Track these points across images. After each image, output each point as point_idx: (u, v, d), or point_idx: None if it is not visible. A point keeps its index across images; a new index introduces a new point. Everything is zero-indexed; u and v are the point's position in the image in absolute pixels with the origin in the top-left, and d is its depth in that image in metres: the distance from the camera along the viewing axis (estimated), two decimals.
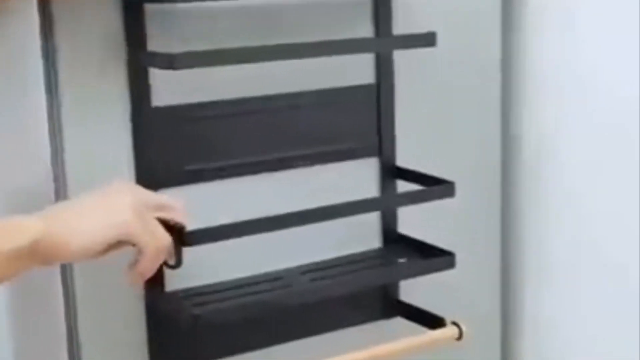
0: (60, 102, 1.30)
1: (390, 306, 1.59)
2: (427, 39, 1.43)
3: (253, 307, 1.38)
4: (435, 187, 1.49)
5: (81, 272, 1.34)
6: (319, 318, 1.53)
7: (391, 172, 1.56)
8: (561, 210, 1.68)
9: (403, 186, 1.56)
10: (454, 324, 1.51)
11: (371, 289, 1.56)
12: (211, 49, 1.33)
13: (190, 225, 1.29)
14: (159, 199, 1.26)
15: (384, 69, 1.53)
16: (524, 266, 1.75)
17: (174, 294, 1.40)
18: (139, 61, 1.33)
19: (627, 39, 1.52)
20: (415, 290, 1.60)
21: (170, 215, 1.26)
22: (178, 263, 1.29)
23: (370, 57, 1.53)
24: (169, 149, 1.37)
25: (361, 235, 1.56)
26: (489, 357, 1.75)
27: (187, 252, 1.31)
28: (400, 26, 1.53)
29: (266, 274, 1.47)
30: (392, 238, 1.58)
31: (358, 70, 1.52)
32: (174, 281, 1.39)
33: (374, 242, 1.58)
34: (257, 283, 1.45)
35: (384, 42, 1.51)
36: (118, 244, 1.19)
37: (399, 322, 1.59)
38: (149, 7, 1.33)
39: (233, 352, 1.47)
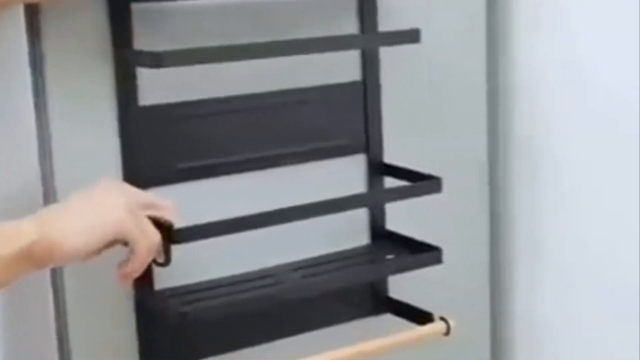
0: (47, 103, 1.30)
1: (380, 303, 1.59)
2: (412, 36, 1.44)
3: (243, 304, 1.39)
4: (422, 182, 1.50)
5: (71, 272, 1.34)
6: (308, 315, 1.53)
7: (378, 168, 1.57)
8: (552, 206, 1.68)
9: (390, 183, 1.57)
10: (442, 319, 1.52)
11: (360, 286, 1.56)
12: (196, 47, 1.33)
13: (179, 223, 1.29)
14: (148, 197, 1.27)
15: (370, 66, 1.54)
16: (513, 262, 1.76)
17: (163, 292, 1.40)
18: (126, 60, 1.33)
19: (620, 36, 1.53)
20: (404, 286, 1.60)
21: (160, 213, 1.26)
22: (167, 261, 1.30)
23: (356, 54, 1.53)
24: (156, 148, 1.38)
25: (349, 231, 1.57)
26: (479, 353, 1.75)
27: (176, 249, 1.31)
28: (385, 23, 1.54)
29: (255, 272, 1.47)
30: (380, 234, 1.59)
31: (344, 67, 1.53)
32: (164, 279, 1.40)
33: (362, 238, 1.59)
34: (246, 280, 1.45)
35: (369, 38, 1.51)
36: (110, 243, 1.19)
37: (389, 319, 1.59)
38: (135, 6, 1.33)
39: (223, 350, 1.47)
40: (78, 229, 1.16)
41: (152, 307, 1.39)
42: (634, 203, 1.54)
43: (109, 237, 1.18)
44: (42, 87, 1.30)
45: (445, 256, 1.52)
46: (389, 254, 1.55)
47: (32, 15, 1.28)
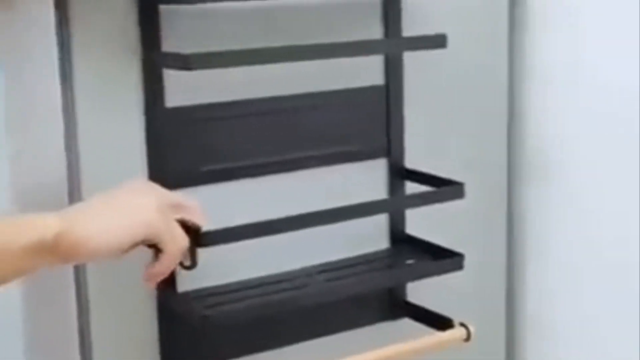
0: (75, 103, 1.30)
1: (398, 307, 1.59)
2: (438, 41, 1.43)
3: (265, 308, 1.38)
4: (445, 188, 1.50)
5: (94, 271, 1.34)
6: (326, 319, 1.53)
7: (400, 173, 1.56)
8: (566, 211, 1.68)
9: (411, 187, 1.57)
10: (462, 325, 1.52)
11: (378, 291, 1.56)
12: (224, 50, 1.33)
13: (205, 227, 1.29)
14: (177, 198, 1.26)
15: (393, 70, 1.54)
16: (528, 267, 1.76)
17: (186, 294, 1.40)
18: (154, 62, 1.33)
19: (633, 39, 1.53)
20: (421, 290, 1.60)
21: (188, 215, 1.25)
22: (193, 264, 1.30)
23: (379, 59, 1.53)
24: (181, 149, 1.38)
25: (369, 235, 1.57)
26: (493, 358, 1.75)
27: (199, 253, 1.31)
28: (408, 28, 1.54)
29: (277, 275, 1.47)
30: (400, 239, 1.58)
31: (367, 71, 1.53)
32: (187, 281, 1.40)
33: (382, 242, 1.59)
34: (268, 283, 1.45)
35: (395, 43, 1.51)
36: (137, 243, 1.19)
37: (406, 323, 1.59)
38: (163, 8, 1.33)
39: (243, 353, 1.47)
40: (106, 226, 1.15)
41: (174, 309, 1.39)
42: None
43: (138, 238, 1.17)
44: (70, 88, 1.29)
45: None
46: (409, 258, 1.55)
47: (61, 19, 1.28)
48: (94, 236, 1.13)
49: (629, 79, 1.54)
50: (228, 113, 1.41)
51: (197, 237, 1.27)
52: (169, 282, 1.36)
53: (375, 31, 1.52)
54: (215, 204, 1.40)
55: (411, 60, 1.55)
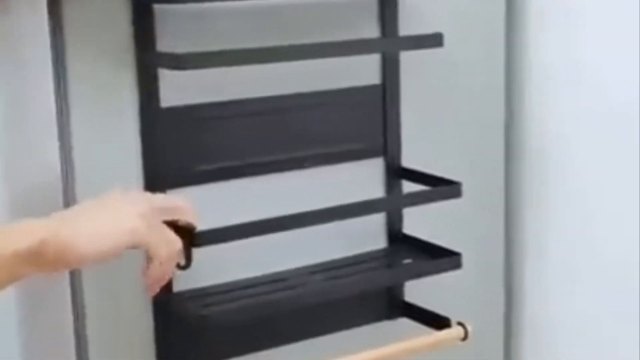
0: (69, 103, 1.30)
1: (395, 307, 1.59)
2: (434, 40, 1.43)
3: (261, 308, 1.39)
4: (442, 187, 1.49)
5: (89, 272, 1.34)
6: (323, 319, 1.53)
7: (396, 172, 1.56)
8: (564, 210, 1.68)
9: (408, 186, 1.56)
10: (460, 324, 1.51)
11: (376, 290, 1.56)
12: (219, 49, 1.33)
13: (198, 226, 1.29)
14: (167, 202, 1.26)
15: (390, 69, 1.53)
16: (527, 267, 1.75)
17: (182, 294, 1.40)
18: (148, 61, 1.33)
19: (631, 39, 1.53)
20: (418, 289, 1.60)
21: (180, 216, 1.25)
22: (188, 264, 1.29)
23: (376, 58, 1.53)
24: (177, 149, 1.37)
25: (366, 234, 1.57)
26: (491, 358, 1.75)
27: (195, 252, 1.31)
28: (405, 27, 1.53)
29: (274, 274, 1.47)
30: (397, 238, 1.58)
31: (364, 70, 1.52)
32: (182, 281, 1.39)
33: (379, 242, 1.58)
34: (264, 283, 1.45)
35: (391, 42, 1.51)
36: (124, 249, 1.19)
37: (404, 323, 1.59)
38: (157, 8, 1.33)
39: (239, 353, 1.47)
40: (92, 233, 1.15)
41: (170, 309, 1.39)
42: None
43: (124, 245, 1.17)
44: (63, 88, 1.29)
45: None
46: (407, 258, 1.55)
47: (54, 20, 1.28)
48: (80, 242, 1.13)
49: (628, 79, 1.54)
50: (222, 113, 1.41)
51: (192, 237, 1.27)
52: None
53: (371, 30, 1.52)
54: (211, 203, 1.40)
55: (408, 59, 1.55)
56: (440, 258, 1.51)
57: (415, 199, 1.49)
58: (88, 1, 1.29)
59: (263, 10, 1.42)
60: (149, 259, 1.21)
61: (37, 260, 1.12)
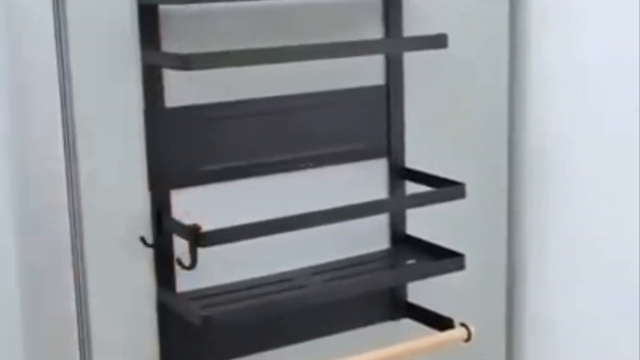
0: (73, 103, 1.30)
1: (399, 307, 1.59)
2: (439, 41, 1.43)
3: (264, 308, 1.38)
4: (446, 188, 1.49)
5: (93, 272, 1.34)
6: (327, 319, 1.53)
7: (400, 173, 1.56)
8: (566, 211, 1.68)
9: (411, 187, 1.56)
10: (463, 325, 1.52)
11: (379, 291, 1.56)
12: (223, 50, 1.33)
13: (203, 226, 1.29)
14: None
15: (394, 70, 1.54)
16: (529, 268, 1.75)
17: (185, 294, 1.40)
18: (153, 62, 1.33)
19: (631, 40, 1.53)
20: (421, 290, 1.60)
21: None
22: (193, 264, 1.29)
23: (380, 59, 1.53)
24: (181, 149, 1.38)
25: (369, 235, 1.57)
26: (493, 358, 1.75)
27: (199, 252, 1.31)
28: (409, 27, 1.53)
29: (277, 275, 1.47)
30: (400, 239, 1.58)
31: (368, 71, 1.52)
32: (186, 282, 1.39)
33: (382, 242, 1.58)
34: (267, 284, 1.45)
35: (395, 43, 1.51)
36: None
37: (407, 324, 1.59)
38: (163, 9, 1.33)
39: (242, 353, 1.47)
40: None
41: (174, 309, 1.39)
42: None
43: None
44: (69, 88, 1.29)
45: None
46: (410, 258, 1.55)
47: (60, 20, 1.28)
48: None
49: (628, 79, 1.54)
50: (227, 113, 1.41)
51: (197, 237, 1.27)
52: (168, 283, 1.36)
53: (376, 31, 1.52)
54: (215, 203, 1.40)
55: (411, 60, 1.55)
56: (443, 259, 1.51)
57: (419, 200, 1.49)
58: (93, 2, 1.29)
59: (267, 11, 1.42)
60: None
61: None
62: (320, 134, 1.49)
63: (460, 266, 1.50)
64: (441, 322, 1.54)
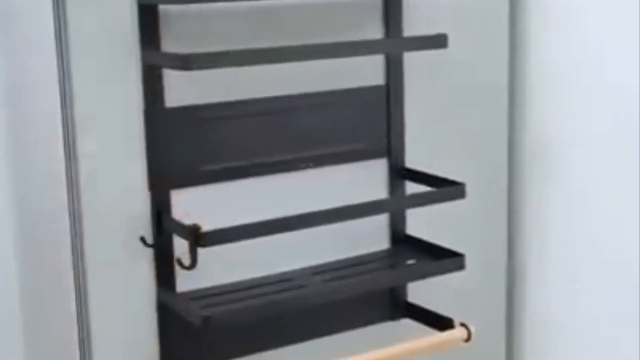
0: (73, 104, 1.30)
1: (399, 307, 1.59)
2: (439, 41, 1.43)
3: (264, 308, 1.38)
4: (446, 188, 1.49)
5: (94, 272, 1.34)
6: (327, 319, 1.53)
7: (400, 173, 1.56)
8: (566, 211, 1.68)
9: (411, 187, 1.56)
10: (463, 325, 1.52)
11: (379, 291, 1.56)
12: (223, 50, 1.33)
13: (203, 226, 1.29)
14: None
15: (394, 70, 1.54)
16: (529, 268, 1.75)
17: (185, 294, 1.40)
18: (153, 62, 1.33)
19: (633, 39, 1.53)
20: (421, 290, 1.60)
21: None
22: (193, 264, 1.29)
23: (380, 59, 1.53)
24: (181, 149, 1.38)
25: (369, 235, 1.57)
26: (493, 358, 1.75)
27: (199, 252, 1.31)
28: (409, 27, 1.53)
29: (277, 275, 1.47)
30: (400, 239, 1.58)
31: (368, 71, 1.52)
32: (186, 282, 1.39)
33: (382, 242, 1.58)
34: (267, 284, 1.45)
35: (395, 43, 1.51)
36: None
37: (407, 324, 1.59)
38: (162, 9, 1.33)
39: (242, 353, 1.47)
40: None
41: (174, 309, 1.39)
42: None
43: None
44: (69, 88, 1.29)
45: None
46: (409, 258, 1.55)
47: (60, 20, 1.28)
48: None
49: (629, 79, 1.54)
50: (227, 113, 1.41)
51: (197, 237, 1.27)
52: (168, 283, 1.36)
53: (376, 31, 1.52)
54: (215, 203, 1.40)
55: (411, 60, 1.55)
56: (443, 259, 1.51)
57: (419, 200, 1.49)
58: (93, 2, 1.29)
59: (267, 11, 1.42)
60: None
61: None
62: (320, 134, 1.49)
63: (461, 266, 1.50)
64: (441, 322, 1.54)
